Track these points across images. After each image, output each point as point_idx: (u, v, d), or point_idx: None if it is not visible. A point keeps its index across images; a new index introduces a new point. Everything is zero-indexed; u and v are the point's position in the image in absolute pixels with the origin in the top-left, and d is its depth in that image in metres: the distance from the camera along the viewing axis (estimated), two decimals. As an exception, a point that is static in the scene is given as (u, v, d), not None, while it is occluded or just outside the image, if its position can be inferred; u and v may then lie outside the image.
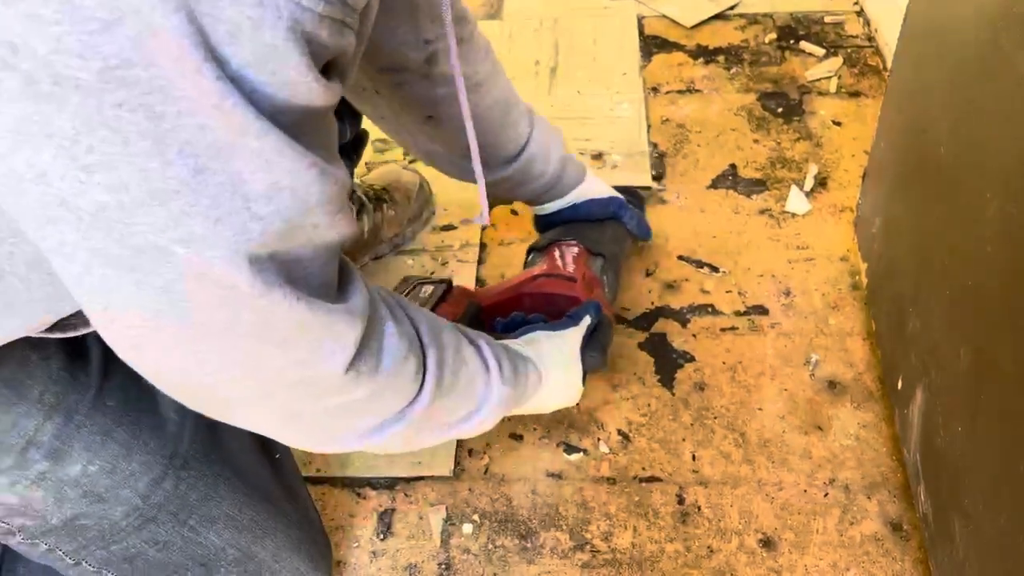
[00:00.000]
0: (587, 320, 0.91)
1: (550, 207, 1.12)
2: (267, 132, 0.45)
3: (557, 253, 1.05)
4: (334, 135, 0.55)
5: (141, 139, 0.43)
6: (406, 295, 0.96)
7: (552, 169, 1.06)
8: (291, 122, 0.47)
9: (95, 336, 0.67)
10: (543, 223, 1.15)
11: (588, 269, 1.04)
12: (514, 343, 0.85)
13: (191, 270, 0.47)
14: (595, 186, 1.13)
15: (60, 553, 0.73)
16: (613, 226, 1.13)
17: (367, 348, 0.60)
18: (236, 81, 0.43)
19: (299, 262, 0.52)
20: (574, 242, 1.07)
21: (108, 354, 0.68)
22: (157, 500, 0.73)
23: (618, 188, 1.18)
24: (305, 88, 0.46)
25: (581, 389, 0.91)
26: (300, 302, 0.52)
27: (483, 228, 1.07)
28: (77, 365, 0.69)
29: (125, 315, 0.50)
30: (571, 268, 1.02)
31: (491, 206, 0.94)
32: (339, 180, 0.51)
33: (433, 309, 0.94)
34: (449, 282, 0.99)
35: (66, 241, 0.46)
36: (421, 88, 0.92)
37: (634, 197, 1.22)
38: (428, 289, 0.97)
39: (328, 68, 0.49)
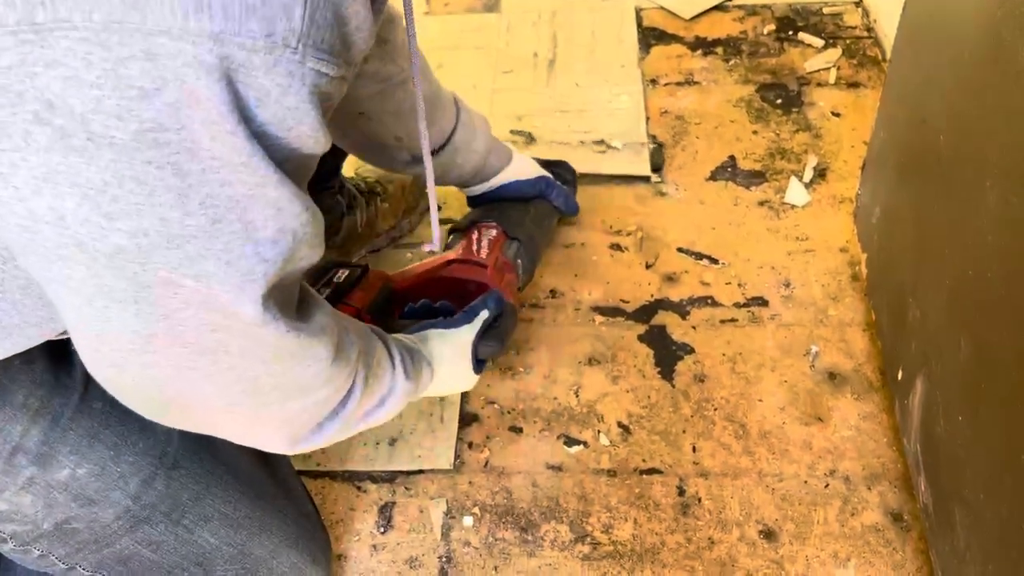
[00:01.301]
0: (484, 315, 0.93)
1: (477, 189, 1.15)
2: (283, 183, 0.50)
3: (475, 236, 1.08)
4: (311, 175, 0.58)
5: (166, 192, 0.47)
6: (321, 278, 0.98)
7: (476, 158, 1.09)
8: (292, 168, 0.52)
9: None
10: (472, 202, 1.18)
11: (502, 254, 1.07)
12: (408, 338, 0.88)
13: (197, 299, 0.52)
14: (523, 167, 1.16)
15: (53, 558, 0.73)
16: (537, 205, 1.17)
17: (339, 355, 0.66)
18: (259, 137, 0.48)
19: (284, 288, 0.58)
20: (494, 224, 1.10)
21: None
22: (149, 501, 0.73)
23: (549, 162, 1.22)
24: (313, 140, 0.51)
25: (475, 378, 0.94)
26: (289, 332, 0.58)
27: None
28: (61, 368, 0.69)
29: (118, 340, 0.55)
30: (484, 253, 1.05)
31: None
32: (319, 216, 0.57)
33: (348, 291, 0.96)
34: (365, 267, 1.01)
35: (73, 276, 0.50)
36: (352, 87, 0.93)
37: (566, 171, 1.24)
38: (344, 273, 0.99)
39: (324, 112, 0.53)
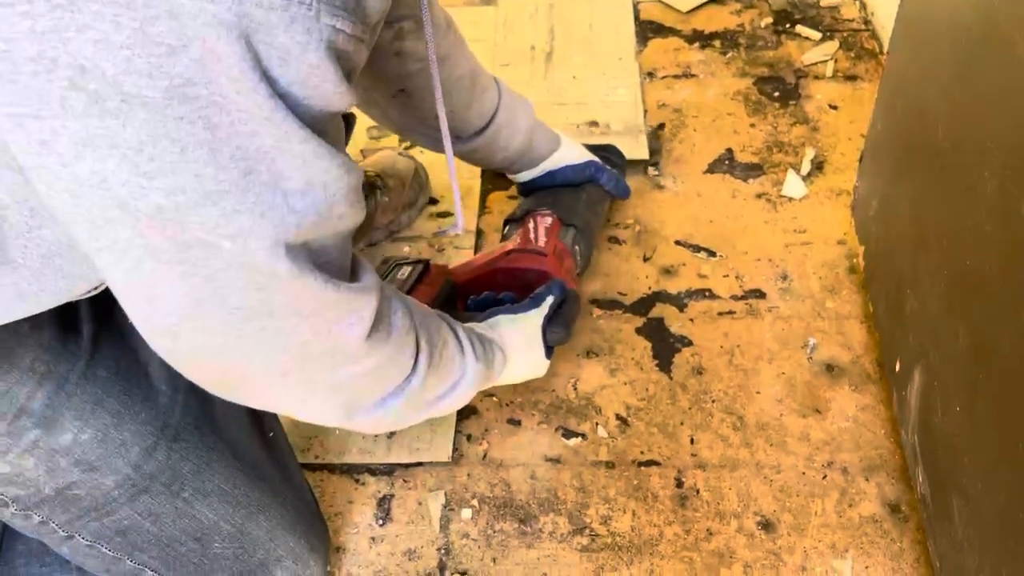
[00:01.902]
0: (550, 300, 0.95)
1: (526, 175, 1.16)
2: (308, 139, 0.52)
3: (531, 225, 1.08)
4: (343, 133, 0.61)
5: (198, 147, 0.48)
6: (385, 276, 1.00)
7: (521, 138, 1.09)
8: (322, 126, 0.53)
9: (87, 308, 0.71)
10: (522, 189, 1.19)
11: (559, 241, 1.08)
12: (479, 326, 0.90)
13: (236, 260, 0.54)
14: (571, 152, 1.16)
15: (53, 525, 0.73)
16: (590, 190, 1.17)
17: (380, 321, 0.67)
18: (283, 97, 0.49)
19: (324, 249, 0.59)
20: (548, 212, 1.10)
21: (99, 325, 0.71)
22: (149, 470, 0.74)
23: (598, 147, 1.22)
24: (338, 98, 0.53)
25: (546, 363, 0.97)
26: (328, 284, 0.59)
27: (461, 232, 1.12)
28: (68, 336, 0.70)
29: (167, 304, 0.56)
30: (542, 242, 1.06)
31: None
32: (358, 173, 0.58)
33: (411, 289, 0.98)
34: (427, 262, 1.02)
35: (119, 239, 0.52)
36: (391, 65, 0.96)
37: (614, 155, 1.24)
38: (406, 270, 1.01)
39: (347, 76, 0.54)
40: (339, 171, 0.55)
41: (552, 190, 1.15)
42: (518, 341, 0.91)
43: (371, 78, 0.98)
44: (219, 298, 0.56)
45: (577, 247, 1.11)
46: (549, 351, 0.96)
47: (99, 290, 0.66)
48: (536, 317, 0.93)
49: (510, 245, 1.06)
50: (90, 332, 0.71)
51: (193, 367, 0.64)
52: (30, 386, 0.67)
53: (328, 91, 0.51)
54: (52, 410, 0.68)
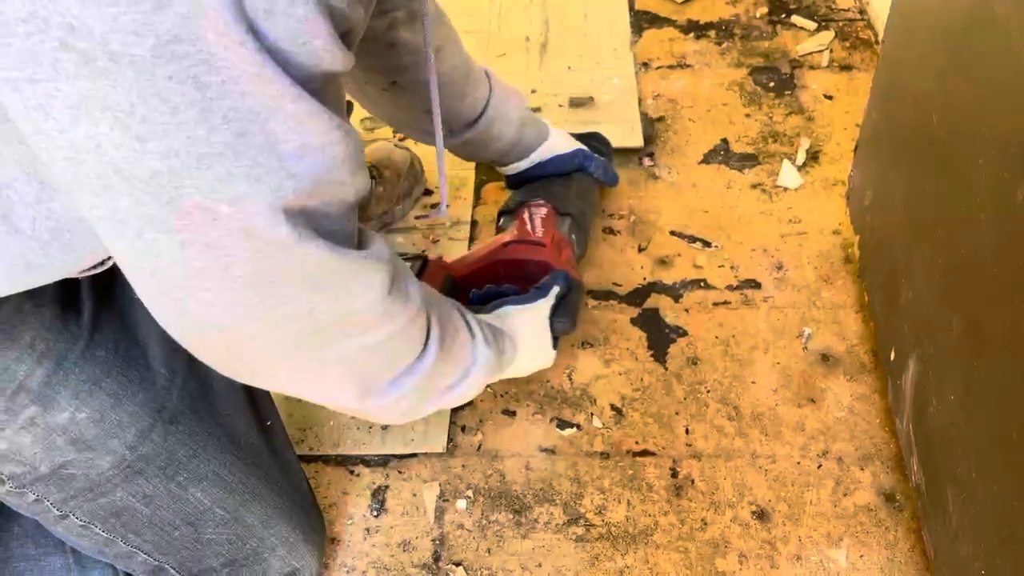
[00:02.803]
0: (555, 290, 0.95)
1: (516, 167, 1.15)
2: (300, 97, 0.50)
3: (526, 216, 1.08)
4: (344, 98, 0.59)
5: (189, 108, 0.47)
6: None
7: (512, 130, 1.09)
8: (317, 88, 0.52)
9: (89, 288, 0.71)
10: (512, 181, 1.18)
11: (556, 231, 1.07)
12: (487, 317, 0.89)
13: (235, 226, 0.52)
14: (559, 142, 1.16)
15: (48, 504, 0.73)
16: (580, 179, 1.17)
17: (393, 291, 0.66)
18: (272, 52, 0.48)
19: (327, 217, 0.58)
20: (542, 202, 1.10)
21: (100, 306, 0.71)
22: (145, 452, 0.74)
23: (584, 135, 1.22)
24: (330, 56, 0.51)
25: (553, 354, 0.96)
26: (332, 251, 0.58)
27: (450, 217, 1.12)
28: (69, 315, 0.70)
29: (171, 275, 0.56)
30: (540, 232, 1.05)
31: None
32: (357, 139, 0.57)
33: None
34: (425, 258, 1.02)
35: (119, 207, 0.51)
36: (383, 57, 0.95)
37: (600, 143, 1.24)
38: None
39: (343, 38, 0.53)
40: (336, 133, 0.54)
41: (542, 181, 1.15)
42: (527, 331, 0.91)
43: (363, 70, 0.98)
44: (221, 266, 0.55)
45: (574, 236, 1.11)
46: (555, 342, 0.96)
47: (105, 266, 0.66)
48: (544, 307, 0.93)
49: (507, 237, 1.06)
50: (91, 312, 0.71)
51: (201, 343, 0.63)
52: (29, 363, 0.67)
53: (318, 47, 0.50)
54: (50, 388, 0.68)
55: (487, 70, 1.07)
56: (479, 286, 0.99)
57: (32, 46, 0.44)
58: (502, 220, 1.13)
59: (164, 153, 0.48)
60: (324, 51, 0.51)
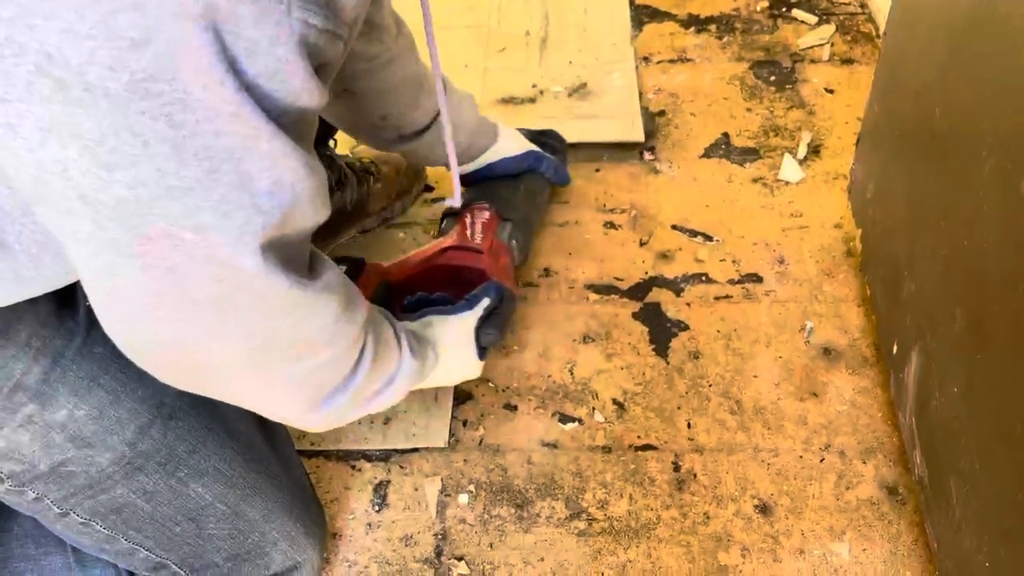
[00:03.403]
0: (485, 302, 0.94)
1: (465, 168, 1.15)
2: (275, 135, 0.51)
3: (468, 220, 1.08)
4: (314, 132, 0.60)
5: (161, 143, 0.48)
6: None
7: (463, 136, 1.09)
8: (290, 123, 0.53)
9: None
10: (462, 182, 1.17)
11: (496, 238, 1.07)
12: (411, 324, 0.90)
13: (199, 253, 0.53)
14: (510, 144, 1.16)
15: (48, 502, 0.73)
16: (529, 179, 1.17)
17: (345, 314, 0.68)
18: (250, 89, 0.49)
19: (289, 246, 0.59)
20: (486, 205, 1.10)
21: None
22: (144, 448, 0.74)
23: (538, 132, 1.22)
24: (307, 94, 0.52)
25: (480, 364, 0.96)
26: (294, 285, 0.59)
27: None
28: (65, 311, 0.70)
29: (127, 295, 0.56)
30: (479, 238, 1.05)
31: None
32: (323, 174, 0.58)
33: None
34: (362, 260, 1.02)
35: (80, 229, 0.52)
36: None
37: (555, 140, 1.24)
38: (341, 268, 0.99)
39: (318, 71, 0.54)
40: (305, 171, 0.55)
41: (491, 182, 1.15)
42: (450, 341, 0.92)
43: None
44: (180, 290, 0.56)
45: (514, 242, 1.10)
46: (483, 351, 0.96)
47: None
48: (470, 319, 0.93)
49: (447, 242, 1.05)
50: (86, 308, 0.71)
51: (151, 359, 0.64)
52: (26, 361, 0.67)
53: (296, 86, 0.51)
54: (48, 385, 0.68)
55: (445, 79, 1.06)
56: (415, 292, 0.99)
57: (7, 68, 0.45)
58: (445, 222, 1.12)
59: (131, 183, 0.49)
60: (302, 89, 0.51)
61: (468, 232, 1.06)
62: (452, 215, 1.11)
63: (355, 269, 1.00)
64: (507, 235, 1.10)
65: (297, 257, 0.62)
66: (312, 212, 0.58)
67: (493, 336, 0.96)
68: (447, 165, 1.14)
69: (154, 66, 0.45)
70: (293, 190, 0.55)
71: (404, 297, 0.98)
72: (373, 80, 0.98)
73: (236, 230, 0.53)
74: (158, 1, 0.44)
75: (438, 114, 1.04)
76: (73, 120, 0.46)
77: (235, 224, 0.53)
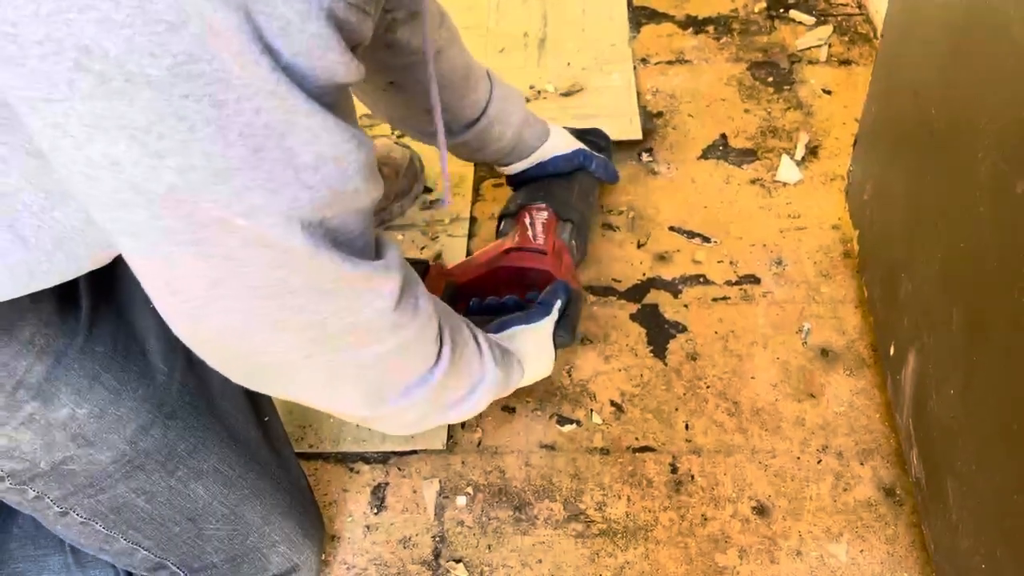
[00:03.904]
0: (558, 305, 0.95)
1: (516, 167, 1.15)
2: (315, 112, 0.51)
3: (527, 221, 1.07)
4: (354, 105, 0.60)
5: (206, 125, 0.48)
6: None
7: (512, 131, 1.09)
8: (331, 99, 0.53)
9: (86, 283, 0.71)
10: (513, 181, 1.18)
11: (558, 238, 1.07)
12: (496, 337, 0.89)
13: (251, 236, 0.53)
14: (559, 141, 1.16)
15: (48, 500, 0.73)
16: (581, 179, 1.17)
17: (404, 300, 0.67)
18: (287, 70, 0.49)
19: (344, 227, 0.59)
20: (544, 206, 1.09)
21: (97, 300, 0.71)
22: (145, 447, 0.74)
23: (583, 131, 1.22)
24: (344, 68, 0.52)
25: (553, 364, 0.97)
26: (345, 261, 0.59)
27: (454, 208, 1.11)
28: (67, 310, 0.70)
29: (186, 287, 0.56)
30: (541, 239, 1.05)
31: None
32: (371, 147, 0.58)
33: None
34: (426, 263, 1.02)
35: (135, 221, 0.52)
36: (381, 57, 0.95)
37: (598, 138, 1.24)
38: None
39: (352, 50, 0.54)
40: (350, 144, 0.55)
41: (543, 182, 1.14)
42: (533, 351, 0.92)
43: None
44: (238, 277, 0.56)
45: (574, 242, 1.11)
46: (556, 351, 0.97)
47: (103, 263, 0.66)
48: (548, 325, 0.94)
49: (508, 243, 1.05)
50: (88, 307, 0.71)
51: (217, 352, 0.64)
52: (28, 359, 0.67)
53: (333, 61, 0.51)
54: (50, 384, 0.68)
55: (489, 71, 1.06)
56: (480, 293, 0.99)
57: (47, 67, 0.45)
58: (503, 223, 1.12)
59: (182, 168, 0.49)
60: (336, 64, 0.51)
61: (529, 233, 1.06)
62: (510, 216, 1.11)
63: (421, 270, 1.00)
64: (568, 235, 1.10)
65: (359, 239, 0.61)
66: (364, 186, 0.58)
67: (566, 339, 0.96)
68: (497, 162, 1.15)
69: (193, 47, 0.45)
70: (338, 164, 0.54)
71: (469, 299, 0.98)
72: (419, 72, 0.96)
73: (285, 207, 0.53)
74: None
75: (487, 107, 1.05)
76: (117, 112, 0.46)
77: (284, 201, 0.53)
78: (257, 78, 0.48)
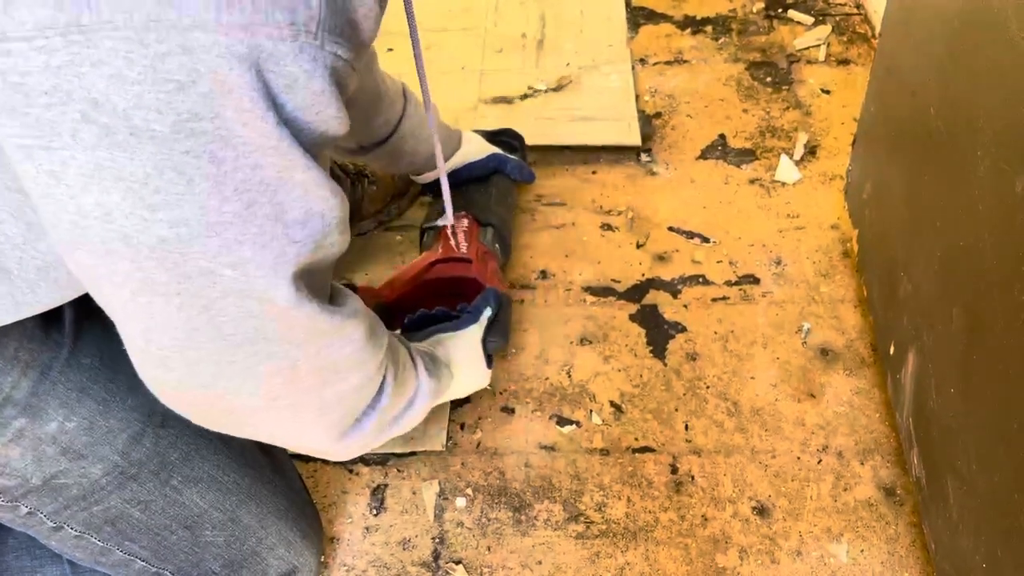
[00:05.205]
0: (487, 312, 0.96)
1: (429, 176, 1.16)
2: (309, 167, 0.53)
3: (449, 232, 1.08)
4: (328, 160, 0.62)
5: (203, 180, 0.49)
6: None
7: (425, 147, 1.10)
8: (319, 152, 0.55)
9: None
10: (426, 190, 1.20)
11: (480, 243, 1.08)
12: (422, 345, 0.91)
13: (234, 288, 0.55)
14: (472, 148, 1.17)
15: (41, 516, 0.72)
16: (497, 182, 1.19)
17: (371, 338, 0.69)
18: (289, 123, 0.51)
19: (315, 275, 0.61)
20: (463, 214, 1.11)
21: (81, 313, 0.71)
22: (137, 458, 0.73)
23: (496, 132, 1.23)
24: (337, 123, 0.54)
25: (488, 373, 0.97)
26: (323, 312, 0.61)
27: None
28: (51, 324, 0.69)
29: (162, 336, 0.58)
30: (464, 247, 1.06)
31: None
32: (346, 201, 0.59)
33: None
34: (353, 285, 1.01)
35: (118, 271, 0.53)
36: None
37: (512, 138, 1.25)
38: None
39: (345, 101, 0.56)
40: (335, 200, 0.57)
41: (461, 189, 1.15)
42: (461, 356, 0.92)
43: None
44: (214, 327, 0.57)
45: (497, 245, 1.12)
46: (489, 359, 0.97)
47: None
48: (476, 331, 0.94)
49: (433, 255, 1.06)
50: (72, 319, 0.70)
51: (183, 398, 0.65)
52: (14, 375, 0.66)
53: (330, 116, 0.53)
54: (37, 399, 0.68)
55: (405, 89, 1.07)
56: (411, 308, 0.98)
57: (52, 117, 0.46)
58: (426, 236, 1.13)
59: (174, 222, 0.50)
60: (333, 118, 0.53)
61: (452, 242, 1.07)
62: (432, 228, 1.12)
63: None
64: (490, 239, 1.11)
65: (321, 287, 0.63)
66: (339, 240, 0.60)
67: (499, 343, 0.97)
68: (410, 172, 1.17)
69: (198, 106, 0.47)
70: (323, 219, 0.56)
71: (402, 316, 0.98)
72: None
73: (272, 260, 0.55)
74: (205, 45, 0.45)
75: (398, 124, 1.06)
76: (117, 164, 0.48)
77: (271, 255, 0.54)
78: (260, 134, 0.49)
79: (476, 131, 1.21)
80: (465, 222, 1.10)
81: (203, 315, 0.56)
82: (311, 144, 0.53)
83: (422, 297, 1.01)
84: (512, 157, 1.20)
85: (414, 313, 0.97)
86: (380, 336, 0.72)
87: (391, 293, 1.04)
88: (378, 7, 0.55)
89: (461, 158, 1.16)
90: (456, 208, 1.10)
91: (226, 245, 0.52)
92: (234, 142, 0.49)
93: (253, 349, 0.60)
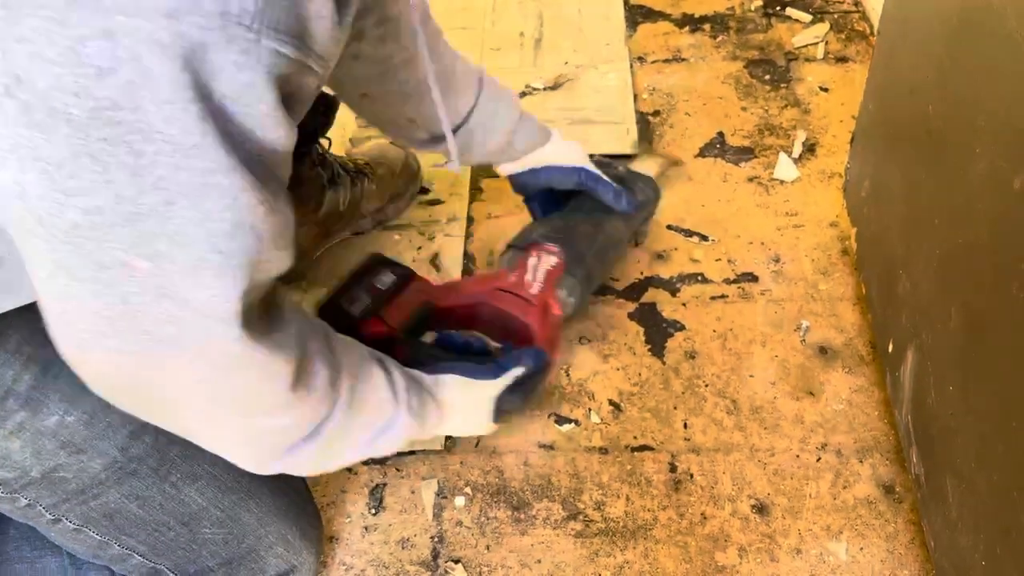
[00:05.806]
0: (516, 372, 0.86)
1: (507, 168, 1.08)
2: (235, 169, 0.50)
3: (531, 263, 0.99)
4: (287, 178, 0.58)
5: (120, 170, 0.48)
6: (363, 282, 0.92)
7: (498, 138, 1.02)
8: (253, 155, 0.52)
9: None
10: (514, 185, 1.10)
11: (554, 291, 0.98)
12: (426, 378, 0.83)
13: (151, 283, 0.53)
14: (559, 152, 1.07)
15: (40, 508, 0.73)
16: (612, 231, 1.07)
17: (299, 382, 0.64)
18: (215, 116, 0.48)
19: (246, 290, 0.56)
20: (555, 250, 1.00)
21: None
22: (137, 453, 0.73)
23: (628, 172, 1.12)
24: (272, 122, 0.52)
25: (492, 427, 0.90)
26: (239, 342, 0.57)
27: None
28: None
29: (80, 319, 0.55)
30: (536, 288, 0.97)
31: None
32: (288, 217, 0.57)
33: (385, 301, 0.91)
34: (410, 275, 0.95)
35: (37, 251, 0.52)
36: (349, 69, 0.92)
37: (646, 185, 1.13)
38: (388, 279, 0.93)
39: (286, 100, 0.53)
40: (263, 209, 0.53)
41: (569, 220, 1.06)
42: (461, 404, 0.85)
43: (333, 82, 0.96)
44: (132, 319, 0.55)
45: (572, 299, 1.02)
46: (500, 414, 0.88)
47: None
48: (491, 389, 0.86)
49: (502, 282, 0.97)
50: None
51: (100, 382, 0.62)
52: (16, 368, 0.67)
53: (261, 112, 0.51)
54: (38, 392, 0.68)
55: (481, 76, 1.00)
56: (457, 321, 0.94)
57: None
58: (508, 253, 1.03)
59: (88, 209, 0.49)
60: (265, 116, 0.51)
61: (528, 276, 0.98)
62: (518, 248, 1.02)
63: (401, 280, 0.93)
64: (566, 292, 1.01)
65: (254, 307, 0.59)
66: (278, 256, 0.57)
67: (515, 404, 0.88)
68: (484, 163, 1.09)
69: (118, 95, 0.45)
70: (256, 232, 0.54)
71: (445, 324, 0.93)
72: (390, 82, 0.93)
73: (191, 263, 0.52)
74: (129, 30, 0.44)
75: (469, 116, 0.99)
76: (34, 144, 0.47)
77: (191, 257, 0.52)
78: (182, 130, 0.47)
79: (606, 158, 1.12)
80: (553, 260, 0.99)
81: (120, 306, 0.54)
82: (243, 141, 0.51)
83: (471, 317, 0.95)
84: (612, 183, 1.06)
85: (452, 330, 0.91)
86: (314, 380, 0.67)
87: (443, 299, 0.96)
88: (335, 14, 0.53)
89: (543, 157, 1.06)
90: (552, 241, 1.01)
91: (142, 237, 0.51)
92: (154, 137, 0.47)
93: (173, 350, 0.57)
